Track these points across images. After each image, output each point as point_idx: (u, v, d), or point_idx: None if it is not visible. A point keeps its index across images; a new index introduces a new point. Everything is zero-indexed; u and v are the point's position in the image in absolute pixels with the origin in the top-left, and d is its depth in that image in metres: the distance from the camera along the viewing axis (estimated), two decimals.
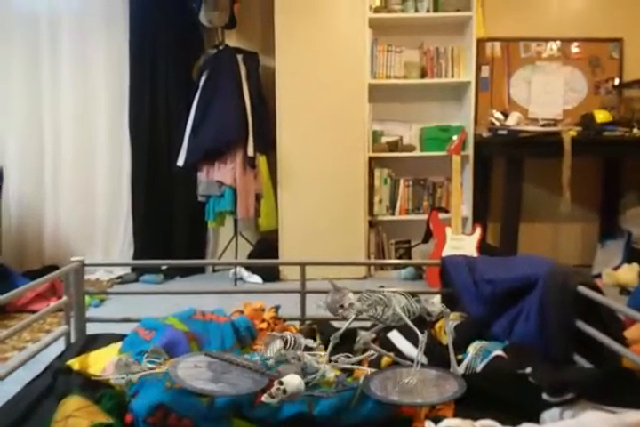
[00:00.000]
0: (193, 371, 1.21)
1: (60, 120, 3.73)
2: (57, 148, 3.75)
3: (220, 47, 3.57)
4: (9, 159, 3.66)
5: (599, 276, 3.34)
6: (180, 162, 3.49)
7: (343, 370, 1.39)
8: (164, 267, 3.57)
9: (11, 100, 3.66)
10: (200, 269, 3.79)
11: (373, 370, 1.39)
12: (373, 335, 1.43)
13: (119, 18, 3.67)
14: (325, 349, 1.55)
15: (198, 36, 3.74)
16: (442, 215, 3.50)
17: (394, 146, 3.69)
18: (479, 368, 1.42)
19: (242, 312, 1.78)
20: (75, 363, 1.48)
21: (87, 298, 2.08)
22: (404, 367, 1.31)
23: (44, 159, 3.75)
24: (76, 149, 3.76)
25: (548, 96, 3.78)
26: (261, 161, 3.57)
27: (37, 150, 3.73)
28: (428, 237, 3.50)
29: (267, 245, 3.72)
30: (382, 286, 3.00)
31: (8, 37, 3.61)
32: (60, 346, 1.76)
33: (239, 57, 3.53)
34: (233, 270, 3.51)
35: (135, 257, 3.75)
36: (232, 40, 3.74)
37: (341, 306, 1.37)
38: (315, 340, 1.63)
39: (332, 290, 1.40)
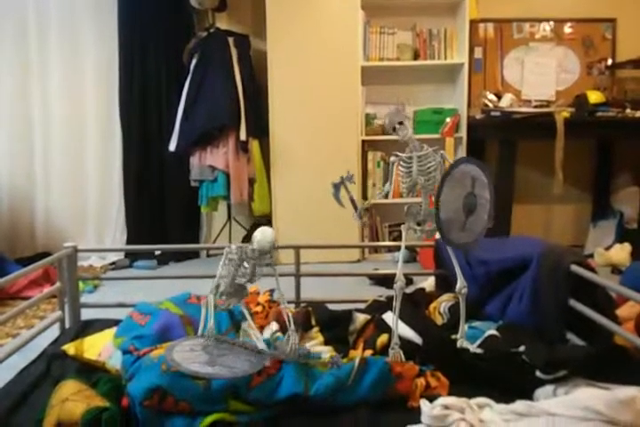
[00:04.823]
0: (189, 354, 1.21)
1: (50, 106, 3.68)
2: (47, 134, 3.70)
3: (211, 30, 3.52)
4: None
5: (591, 256, 3.36)
6: (172, 147, 3.46)
7: (338, 351, 1.40)
8: (157, 252, 3.56)
9: None
10: (194, 254, 3.79)
11: (369, 351, 1.40)
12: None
13: (108, 0, 3.60)
14: (321, 331, 1.55)
15: (188, 19, 3.68)
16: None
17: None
18: (473, 348, 1.43)
19: None
20: (70, 348, 1.48)
21: (81, 284, 2.08)
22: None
23: (35, 146, 3.70)
24: (67, 136, 3.72)
25: (540, 77, 3.76)
26: (254, 145, 3.55)
27: (28, 137, 3.68)
28: None
29: None
30: (377, 269, 3.05)
31: None
32: (54, 332, 1.76)
33: (230, 40, 3.49)
34: None
35: (128, 243, 3.74)
36: (223, 23, 3.69)
37: (399, 122, 1.47)
38: (310, 322, 1.63)
39: (392, 110, 1.50)
